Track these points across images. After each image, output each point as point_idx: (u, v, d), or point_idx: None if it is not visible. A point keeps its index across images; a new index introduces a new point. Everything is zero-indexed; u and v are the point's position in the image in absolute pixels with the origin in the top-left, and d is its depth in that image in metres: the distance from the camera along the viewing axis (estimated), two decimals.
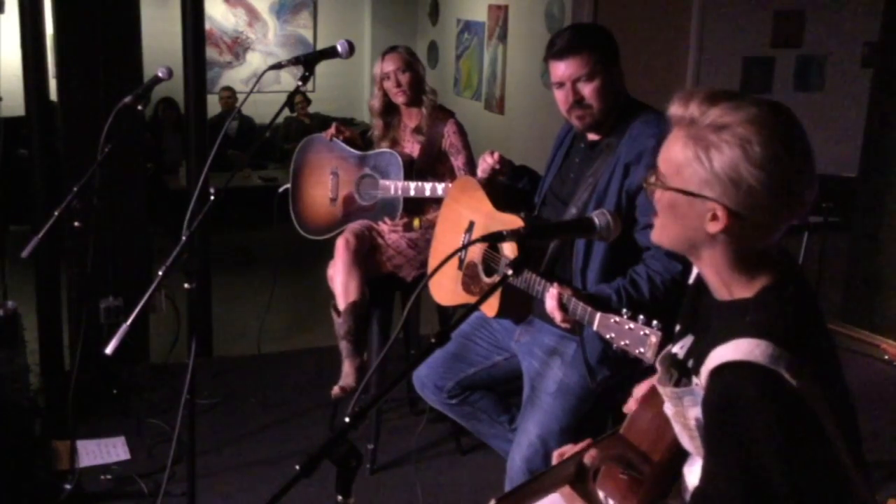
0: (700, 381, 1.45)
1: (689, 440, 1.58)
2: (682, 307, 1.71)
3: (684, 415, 1.53)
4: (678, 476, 1.72)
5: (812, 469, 1.37)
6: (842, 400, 1.43)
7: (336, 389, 3.37)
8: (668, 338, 1.83)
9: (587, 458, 1.71)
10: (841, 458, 1.39)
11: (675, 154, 1.42)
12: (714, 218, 1.40)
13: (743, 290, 1.46)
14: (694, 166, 1.39)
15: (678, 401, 1.54)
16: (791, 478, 1.34)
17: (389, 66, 3.42)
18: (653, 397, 1.78)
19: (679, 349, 1.64)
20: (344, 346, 3.38)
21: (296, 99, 7.81)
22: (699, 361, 1.48)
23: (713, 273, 1.49)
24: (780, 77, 6.36)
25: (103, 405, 3.83)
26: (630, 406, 1.84)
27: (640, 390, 1.86)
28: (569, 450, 1.83)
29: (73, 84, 3.87)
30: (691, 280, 1.70)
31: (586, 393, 2.47)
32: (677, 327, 1.69)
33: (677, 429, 1.60)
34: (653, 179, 1.47)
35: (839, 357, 1.50)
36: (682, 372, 1.58)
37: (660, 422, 1.73)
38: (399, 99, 3.46)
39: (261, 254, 6.13)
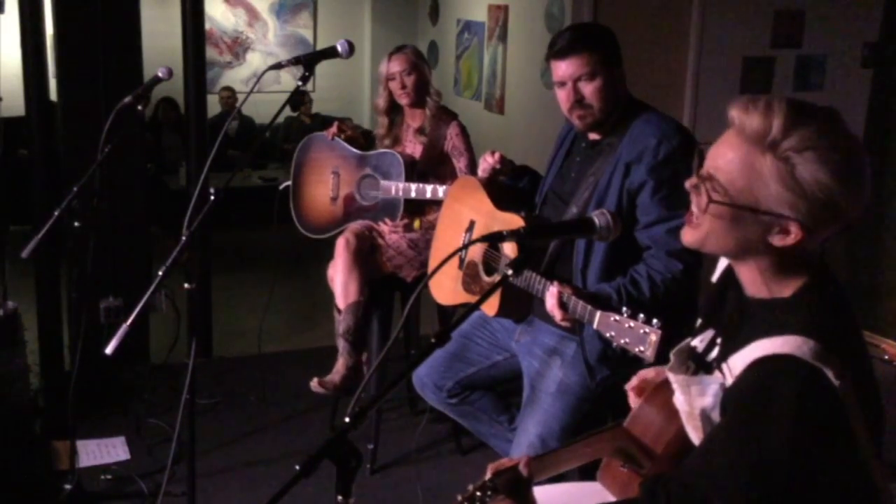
0: (729, 371, 1.44)
1: (692, 431, 1.58)
2: (704, 301, 1.70)
3: (690, 404, 1.53)
4: None
5: (827, 476, 1.36)
6: (873, 402, 1.43)
7: (314, 382, 3.35)
8: (668, 336, 1.83)
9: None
10: (865, 462, 1.39)
11: (747, 170, 1.38)
12: (783, 232, 1.39)
13: (782, 289, 1.45)
14: (775, 186, 1.36)
15: (686, 389, 1.53)
16: (801, 478, 1.33)
17: (395, 67, 3.41)
18: (657, 392, 1.78)
19: (699, 342, 1.63)
20: (341, 343, 3.38)
21: (304, 99, 7.82)
22: (725, 355, 1.48)
23: (755, 273, 1.47)
24: (780, 77, 6.33)
25: (103, 405, 3.83)
26: (631, 399, 1.84)
27: (631, 383, 1.86)
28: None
29: (73, 84, 3.87)
30: (717, 275, 1.68)
31: (586, 393, 2.47)
32: (698, 321, 1.68)
33: (684, 419, 1.60)
34: (716, 196, 1.40)
35: (871, 359, 1.49)
36: (700, 365, 1.57)
37: (664, 416, 1.73)
38: (403, 101, 3.46)
39: (261, 254, 6.13)
